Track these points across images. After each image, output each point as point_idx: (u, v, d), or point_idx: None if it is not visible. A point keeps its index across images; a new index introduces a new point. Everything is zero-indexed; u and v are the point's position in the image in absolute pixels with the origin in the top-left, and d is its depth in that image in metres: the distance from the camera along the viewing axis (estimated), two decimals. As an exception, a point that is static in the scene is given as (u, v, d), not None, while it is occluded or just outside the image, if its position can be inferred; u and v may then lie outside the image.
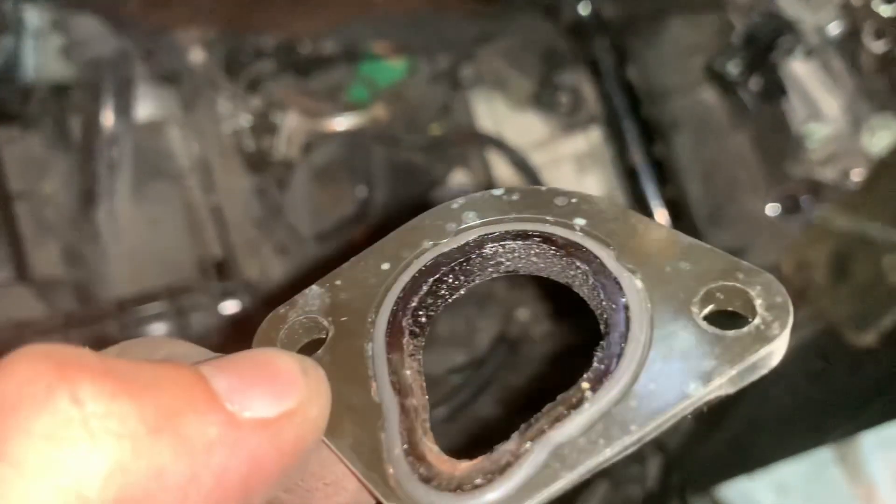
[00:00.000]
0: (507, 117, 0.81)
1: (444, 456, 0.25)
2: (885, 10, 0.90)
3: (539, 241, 0.28)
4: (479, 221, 0.29)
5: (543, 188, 0.28)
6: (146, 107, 0.84)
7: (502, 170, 0.83)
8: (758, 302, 0.26)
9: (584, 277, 0.28)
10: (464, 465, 0.25)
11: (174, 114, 0.84)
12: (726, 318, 0.26)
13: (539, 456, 0.24)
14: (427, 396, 0.27)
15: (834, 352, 0.99)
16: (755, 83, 0.96)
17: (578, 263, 0.28)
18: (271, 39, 0.93)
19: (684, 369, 0.26)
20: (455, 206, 0.29)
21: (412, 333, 0.29)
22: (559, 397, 0.26)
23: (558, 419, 0.25)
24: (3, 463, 0.20)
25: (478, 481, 0.25)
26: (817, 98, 0.96)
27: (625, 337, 0.26)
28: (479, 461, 0.25)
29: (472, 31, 0.82)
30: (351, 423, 0.28)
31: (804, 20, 0.92)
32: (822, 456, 1.15)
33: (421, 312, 0.29)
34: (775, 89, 0.91)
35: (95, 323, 0.71)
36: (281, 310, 0.30)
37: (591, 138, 0.81)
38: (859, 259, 0.99)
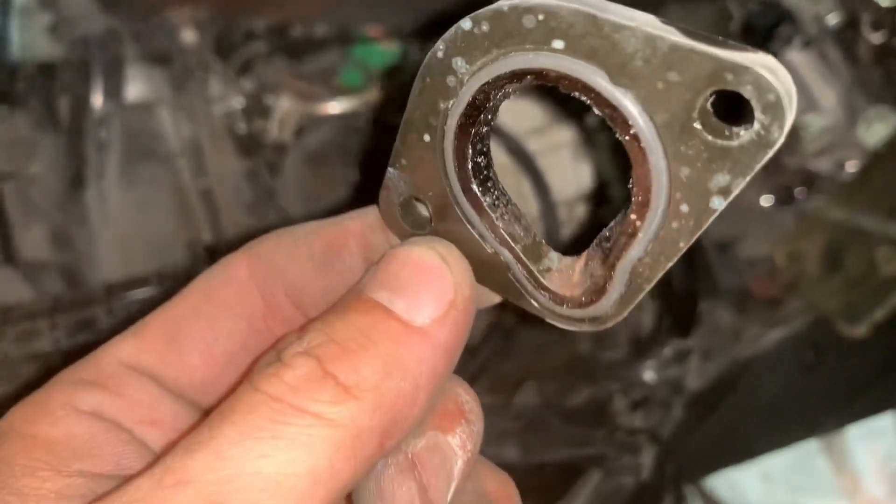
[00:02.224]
0: (506, 103, 0.80)
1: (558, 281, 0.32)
2: (883, 1, 0.89)
3: (533, 79, 0.29)
4: (470, 68, 0.30)
5: (505, 7, 0.28)
6: (136, 87, 0.82)
7: (498, 156, 0.82)
8: (753, 104, 0.25)
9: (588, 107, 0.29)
10: (575, 291, 0.32)
11: (164, 95, 0.82)
12: (724, 120, 0.26)
13: (623, 276, 0.31)
14: (526, 223, 0.33)
15: (825, 344, 0.99)
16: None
17: (577, 95, 0.28)
18: (263, 21, 0.91)
19: (705, 187, 0.28)
20: (440, 55, 0.30)
21: (483, 189, 0.32)
22: (612, 229, 0.30)
23: (624, 247, 0.30)
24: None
25: (584, 300, 0.31)
26: (814, 89, 0.95)
27: (646, 168, 0.28)
28: (581, 285, 0.32)
29: (466, 14, 0.81)
30: (484, 278, 0.32)
31: (803, 9, 0.92)
32: (807, 446, 1.15)
33: (480, 172, 0.33)
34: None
35: (83, 307, 0.69)
36: (382, 193, 0.33)
37: (588, 126, 0.80)
38: (852, 251, 0.99)
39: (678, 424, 0.89)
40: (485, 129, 0.32)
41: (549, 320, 0.34)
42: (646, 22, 0.27)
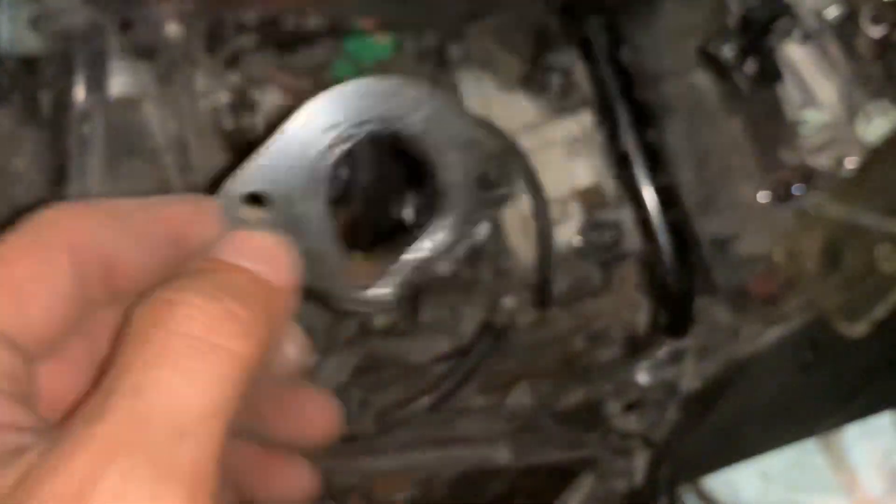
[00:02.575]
0: (496, 98, 0.79)
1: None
2: (884, -6, 0.87)
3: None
4: None
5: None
6: (120, 82, 0.80)
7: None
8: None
9: None
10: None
11: (149, 90, 0.81)
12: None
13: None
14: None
15: (824, 342, 0.97)
16: (750, 67, 0.93)
17: None
18: (253, 13, 0.89)
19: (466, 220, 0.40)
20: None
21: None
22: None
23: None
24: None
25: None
26: (813, 84, 0.94)
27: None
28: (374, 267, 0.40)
29: (461, 7, 0.79)
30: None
31: (802, 3, 0.90)
32: (805, 444, 1.14)
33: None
34: (771, 74, 0.88)
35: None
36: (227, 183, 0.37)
37: (583, 122, 0.78)
38: (851, 248, 0.98)
39: (673, 426, 0.88)
40: None
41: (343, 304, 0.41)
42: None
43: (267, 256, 0.33)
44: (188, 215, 0.35)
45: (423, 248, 0.41)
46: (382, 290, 0.41)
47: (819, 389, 0.95)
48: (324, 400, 0.42)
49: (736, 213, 0.97)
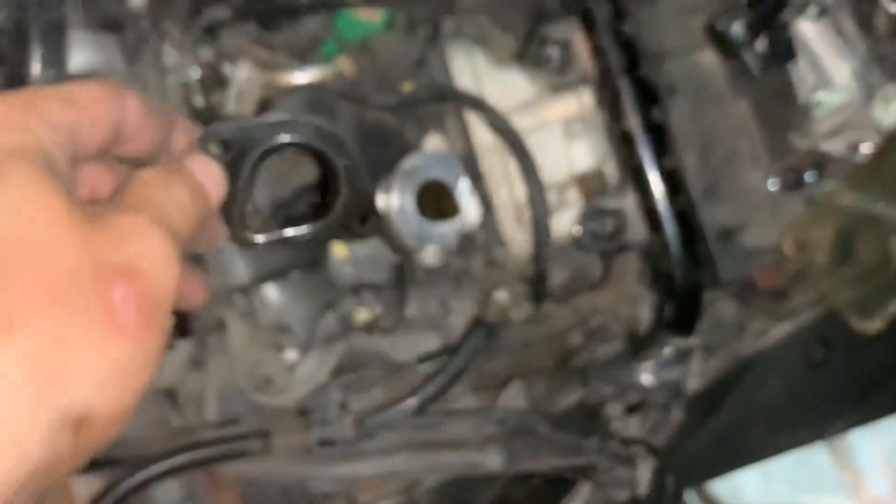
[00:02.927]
0: (489, 75, 0.73)
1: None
2: (906, -33, 0.82)
3: None
4: None
5: None
6: (82, 56, 0.74)
7: (482, 134, 0.75)
8: None
9: None
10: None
11: (115, 65, 0.74)
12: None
13: None
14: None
15: (836, 339, 0.92)
16: (761, 45, 0.88)
17: None
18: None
19: None
20: None
21: None
22: None
23: None
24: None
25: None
26: (827, 64, 0.88)
27: None
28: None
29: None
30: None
31: (817, -25, 0.84)
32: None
33: None
34: (784, 52, 0.82)
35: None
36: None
37: (583, 100, 0.72)
38: (865, 239, 0.92)
39: (675, 429, 0.83)
40: None
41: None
42: None
43: (211, 175, 0.43)
44: (182, 132, 0.46)
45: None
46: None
47: (829, 390, 0.90)
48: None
49: (743, 201, 0.91)
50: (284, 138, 0.49)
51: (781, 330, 0.92)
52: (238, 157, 0.48)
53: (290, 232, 0.52)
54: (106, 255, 0.31)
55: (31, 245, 0.29)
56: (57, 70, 0.70)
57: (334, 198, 0.53)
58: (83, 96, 0.37)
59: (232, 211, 0.48)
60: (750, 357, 0.91)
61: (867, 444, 1.34)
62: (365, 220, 0.55)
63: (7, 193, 0.29)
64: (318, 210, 0.54)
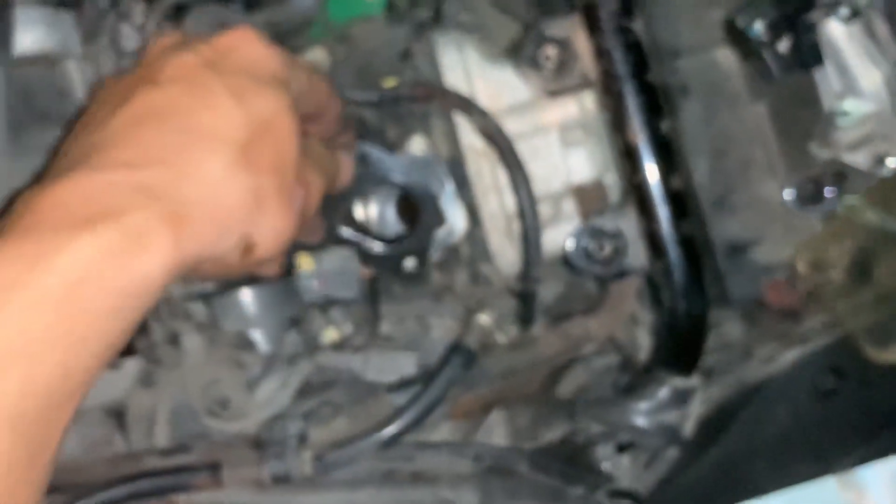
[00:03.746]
0: (481, 71, 0.65)
1: None
2: (947, -34, 0.74)
3: None
4: None
5: None
6: (32, 34, 0.67)
7: (471, 137, 0.68)
8: None
9: None
10: None
11: (69, 45, 0.67)
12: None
13: None
14: None
15: (848, 367, 0.85)
16: (784, 46, 0.80)
17: None
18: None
19: None
20: None
21: None
22: None
23: None
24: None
25: None
26: (856, 69, 0.80)
27: None
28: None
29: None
30: None
31: (850, -28, 0.76)
32: (811, 458, 1.03)
33: None
34: (810, 55, 0.75)
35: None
36: None
37: (584, 104, 0.65)
38: (886, 261, 0.85)
39: (669, 465, 0.76)
40: None
41: None
42: None
43: (348, 166, 0.64)
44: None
45: None
46: None
47: (840, 422, 0.84)
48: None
49: (756, 213, 0.84)
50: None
51: (791, 355, 0.85)
52: None
53: (377, 246, 0.65)
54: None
55: (275, 131, 0.47)
56: (0, 51, 0.63)
57: (414, 224, 0.66)
58: (318, 79, 0.55)
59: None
60: (756, 383, 0.85)
61: (871, 463, 1.29)
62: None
63: (276, 99, 0.47)
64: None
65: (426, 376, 0.62)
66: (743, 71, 0.84)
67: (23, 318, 0.36)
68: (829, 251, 0.85)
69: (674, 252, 0.55)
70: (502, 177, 0.67)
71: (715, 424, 0.81)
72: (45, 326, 0.36)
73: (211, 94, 0.45)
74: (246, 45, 0.49)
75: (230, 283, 0.69)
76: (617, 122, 0.56)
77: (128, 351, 0.62)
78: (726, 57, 0.83)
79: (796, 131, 0.87)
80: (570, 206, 0.67)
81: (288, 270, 0.69)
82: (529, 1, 0.69)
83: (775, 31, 0.78)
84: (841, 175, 0.86)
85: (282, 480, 0.57)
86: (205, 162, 0.43)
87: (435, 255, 0.69)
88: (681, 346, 0.58)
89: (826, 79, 0.82)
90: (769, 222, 0.84)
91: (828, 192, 0.83)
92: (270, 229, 0.46)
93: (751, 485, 0.84)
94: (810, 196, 0.83)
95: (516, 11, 0.69)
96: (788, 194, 0.83)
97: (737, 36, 0.80)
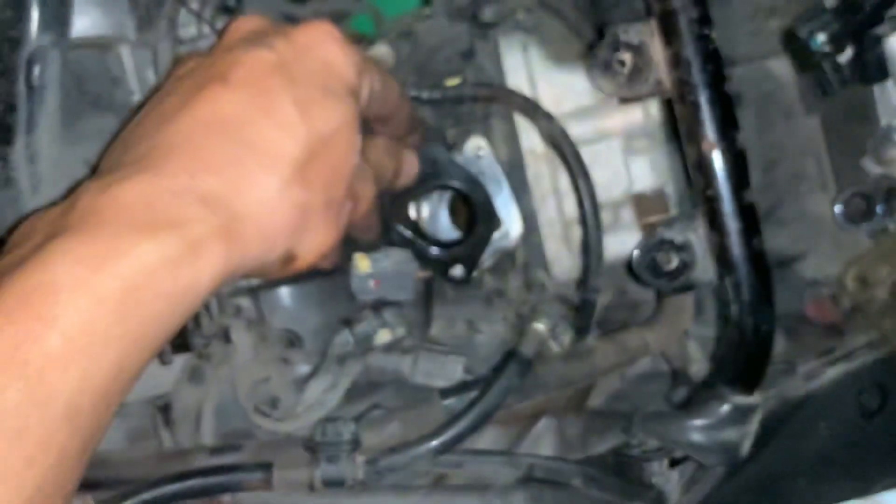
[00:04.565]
0: (546, 74, 0.64)
1: None
2: None
3: None
4: None
5: None
6: (87, 19, 0.66)
7: (531, 140, 0.66)
8: None
9: None
10: None
11: (124, 31, 0.66)
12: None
13: None
14: None
15: (892, 386, 0.84)
16: (845, 58, 0.78)
17: None
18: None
19: None
20: None
21: None
22: None
23: None
24: None
25: None
26: (918, 85, 0.79)
27: None
28: None
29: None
30: None
31: (916, -15, 0.75)
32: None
33: None
34: (875, 69, 0.73)
35: None
36: None
37: (650, 112, 0.64)
38: (934, 280, 0.84)
39: (712, 476, 0.75)
40: None
41: None
42: None
43: (412, 165, 0.63)
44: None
45: None
46: None
47: (881, 441, 0.82)
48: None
49: (805, 227, 0.83)
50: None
51: (834, 372, 0.84)
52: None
53: (432, 249, 0.64)
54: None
55: (334, 148, 0.47)
56: (56, 33, 0.62)
57: (468, 227, 0.66)
58: (391, 81, 0.55)
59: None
60: (797, 400, 0.83)
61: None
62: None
63: (341, 114, 0.48)
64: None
65: (480, 383, 0.61)
66: (798, 82, 0.82)
67: (85, 318, 0.37)
68: (878, 269, 0.84)
69: (744, 268, 0.54)
70: (562, 182, 0.65)
71: (756, 440, 0.79)
72: (105, 327, 0.37)
73: (278, 106, 0.45)
74: (324, 45, 0.48)
75: (276, 281, 0.68)
76: (690, 132, 0.55)
77: (183, 347, 0.61)
78: (782, 67, 0.82)
79: (849, 146, 0.86)
80: (628, 215, 0.66)
81: (340, 269, 0.68)
82: (584, 6, 0.68)
83: (837, 43, 0.76)
84: (893, 192, 0.84)
85: (334, 485, 0.56)
86: (262, 178, 0.44)
87: (488, 259, 0.67)
88: (745, 364, 0.56)
89: (886, 93, 0.80)
90: (817, 237, 0.83)
91: (879, 209, 0.81)
92: (313, 244, 0.47)
93: (790, 503, 0.83)
94: (860, 212, 0.82)
95: (579, 11, 0.68)
96: (838, 209, 0.81)
97: (795, 47, 0.79)
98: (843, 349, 0.85)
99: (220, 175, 0.43)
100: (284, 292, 0.67)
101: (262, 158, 0.44)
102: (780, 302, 0.84)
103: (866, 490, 0.84)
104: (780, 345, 0.81)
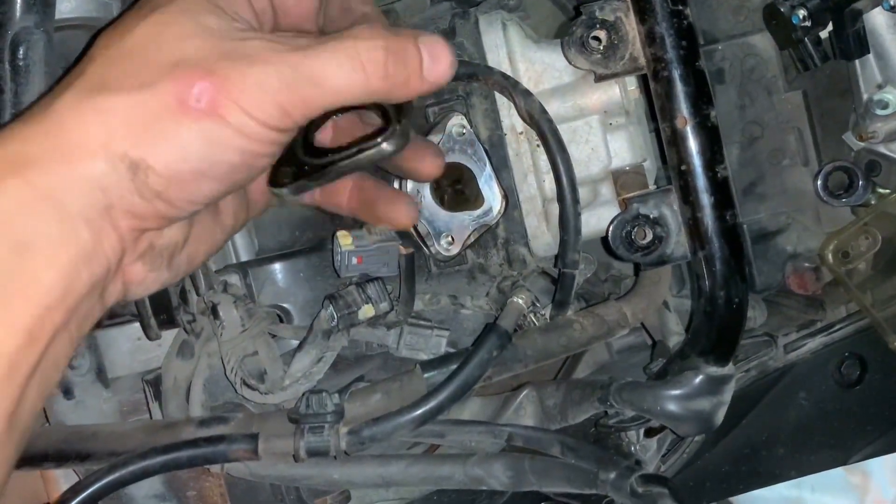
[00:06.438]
0: (525, 52, 0.65)
1: None
2: None
3: None
4: None
5: None
6: (73, 0, 0.66)
7: (511, 118, 0.67)
8: None
9: None
10: None
11: (109, 12, 0.67)
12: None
13: None
14: None
15: (873, 358, 0.86)
16: (826, 34, 0.79)
17: None
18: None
19: None
20: None
21: None
22: None
23: None
24: None
25: None
26: (897, 59, 0.79)
27: None
28: None
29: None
30: None
31: (897, -40, 0.75)
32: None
33: None
34: (856, 45, 0.74)
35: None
36: None
37: (627, 89, 0.65)
38: (914, 253, 0.85)
39: (691, 449, 0.77)
40: None
41: None
42: None
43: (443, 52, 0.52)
44: None
45: None
46: None
47: (860, 412, 0.84)
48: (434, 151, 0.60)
49: (786, 201, 0.84)
50: None
51: (814, 343, 0.86)
52: None
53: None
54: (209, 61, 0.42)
55: (168, 38, 0.44)
56: (41, 14, 0.62)
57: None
58: None
59: None
60: (778, 370, 0.85)
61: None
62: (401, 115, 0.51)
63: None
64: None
65: (461, 356, 0.62)
66: (781, 58, 0.83)
67: None
68: (858, 242, 0.85)
69: (716, 241, 0.55)
70: (542, 159, 0.66)
71: (736, 410, 0.81)
72: None
73: None
74: None
75: (265, 257, 0.70)
76: (664, 108, 0.56)
77: (169, 322, 0.63)
78: (764, 43, 0.82)
79: (831, 120, 0.87)
80: (607, 190, 0.67)
81: (321, 245, 0.69)
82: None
83: (817, 18, 0.77)
84: (873, 166, 0.85)
85: (318, 454, 0.58)
86: None
87: (471, 235, 0.68)
88: (719, 335, 0.58)
89: (866, 68, 0.81)
90: (799, 211, 0.84)
91: (860, 183, 0.82)
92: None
93: (769, 471, 0.85)
94: (842, 186, 0.83)
95: None
96: (820, 183, 0.82)
97: (777, 22, 0.79)
98: (823, 321, 0.86)
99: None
100: (275, 268, 0.69)
101: None
102: (761, 274, 0.86)
103: (845, 459, 0.86)
104: (761, 321, 0.83)
